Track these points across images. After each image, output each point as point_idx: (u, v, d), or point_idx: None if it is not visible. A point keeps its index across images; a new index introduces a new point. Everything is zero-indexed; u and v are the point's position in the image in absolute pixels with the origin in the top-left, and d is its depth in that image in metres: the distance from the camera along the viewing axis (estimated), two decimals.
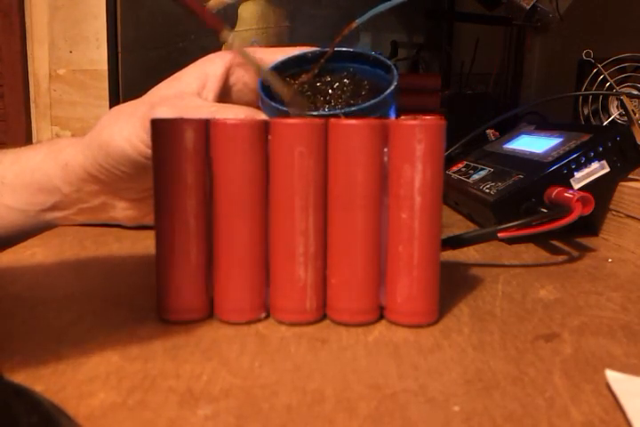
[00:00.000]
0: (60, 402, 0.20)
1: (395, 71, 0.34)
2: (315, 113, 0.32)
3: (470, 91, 1.13)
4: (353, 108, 0.32)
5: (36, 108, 1.51)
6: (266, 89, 0.34)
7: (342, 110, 0.32)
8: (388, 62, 0.35)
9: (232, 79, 0.36)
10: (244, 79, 0.36)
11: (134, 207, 0.38)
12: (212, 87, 0.34)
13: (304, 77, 0.35)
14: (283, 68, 0.36)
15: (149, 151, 0.32)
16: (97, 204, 0.37)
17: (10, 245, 0.39)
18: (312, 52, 0.36)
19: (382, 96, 0.32)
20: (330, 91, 0.35)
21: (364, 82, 0.35)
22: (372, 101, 0.32)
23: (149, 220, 0.37)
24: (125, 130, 0.32)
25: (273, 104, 0.32)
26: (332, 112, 0.32)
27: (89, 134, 0.34)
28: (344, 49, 0.36)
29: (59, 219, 0.37)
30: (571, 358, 0.27)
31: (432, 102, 0.89)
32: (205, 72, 0.35)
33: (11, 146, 0.39)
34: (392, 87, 0.33)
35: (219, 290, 0.31)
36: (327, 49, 0.35)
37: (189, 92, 0.34)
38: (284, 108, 0.32)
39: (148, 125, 0.31)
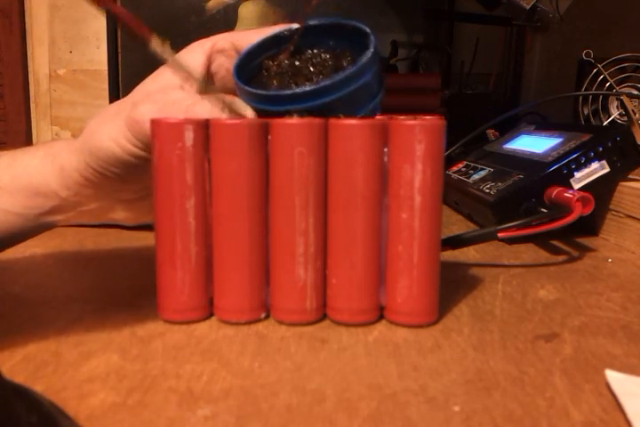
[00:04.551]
0: (60, 402, 0.20)
1: (372, 37, 0.32)
2: (289, 92, 0.31)
3: (470, 91, 1.13)
4: (329, 81, 0.30)
5: (36, 108, 1.51)
6: (239, 73, 0.33)
7: (319, 85, 0.30)
8: (366, 29, 0.33)
9: (214, 67, 0.35)
10: (225, 65, 0.36)
11: (132, 207, 0.38)
12: (195, 78, 0.34)
13: (281, 58, 0.34)
14: (259, 51, 0.34)
15: (138, 151, 0.32)
16: (95, 206, 0.37)
17: (10, 246, 0.39)
18: (288, 30, 0.35)
19: (358, 65, 0.31)
20: (311, 68, 0.33)
21: (345, 54, 0.34)
22: (346, 73, 0.30)
23: (149, 219, 0.37)
24: (113, 132, 0.32)
25: (246, 88, 0.31)
26: (312, 87, 0.30)
27: (80, 138, 0.34)
28: (318, 22, 0.34)
29: (58, 221, 0.37)
30: (571, 358, 0.27)
31: (432, 102, 0.89)
32: (188, 58, 0.35)
33: (10, 146, 0.39)
34: (369, 53, 0.31)
35: (219, 290, 0.31)
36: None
37: (172, 85, 0.34)
38: (258, 91, 0.31)
39: (133, 125, 0.31)
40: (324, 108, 0.30)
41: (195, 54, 0.35)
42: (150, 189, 0.35)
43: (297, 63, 0.34)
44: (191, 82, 0.31)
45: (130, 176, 0.34)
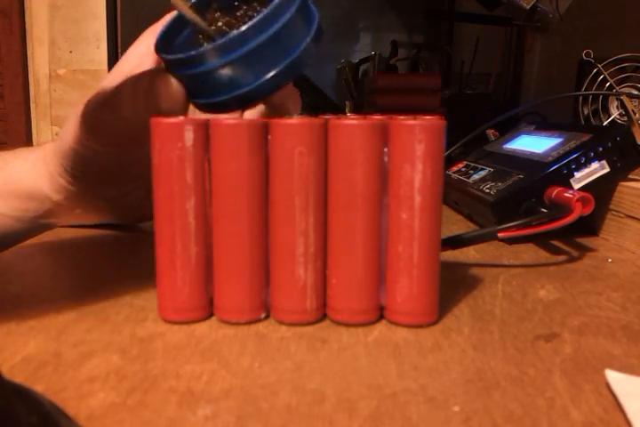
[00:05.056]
0: (60, 402, 0.20)
1: None
2: (197, 50, 0.29)
3: (470, 91, 1.13)
4: (239, 30, 0.28)
5: (36, 108, 1.51)
6: (164, 44, 0.31)
7: (229, 37, 0.28)
8: None
9: None
10: None
11: (123, 205, 0.38)
12: (148, 62, 0.34)
13: (210, 17, 0.32)
14: (197, 11, 0.32)
15: (92, 144, 0.32)
16: (88, 208, 0.37)
17: (9, 247, 0.39)
18: None
19: (269, 8, 0.28)
20: (247, 21, 0.31)
21: None
22: (255, 20, 0.28)
23: (143, 216, 0.37)
24: (70, 128, 0.32)
25: (162, 55, 0.30)
26: (224, 40, 0.28)
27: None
28: None
29: (56, 222, 0.37)
30: (571, 358, 0.27)
31: (432, 102, 0.89)
32: (138, 52, 0.34)
33: (10, 146, 0.39)
34: None
35: (219, 290, 0.31)
36: None
37: (126, 71, 0.33)
38: (169, 56, 0.30)
39: (84, 115, 0.31)
40: (244, 59, 0.29)
41: (145, 41, 0.35)
42: (134, 185, 0.35)
43: (232, 21, 0.32)
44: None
45: (100, 173, 0.34)
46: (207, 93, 0.31)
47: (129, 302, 0.33)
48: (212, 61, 0.29)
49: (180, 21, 0.33)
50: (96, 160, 0.33)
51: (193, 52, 0.29)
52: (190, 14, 0.31)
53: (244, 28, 0.28)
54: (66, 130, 0.33)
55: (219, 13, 0.33)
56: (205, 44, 0.31)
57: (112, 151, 0.32)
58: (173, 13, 0.33)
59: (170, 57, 0.30)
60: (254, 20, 0.29)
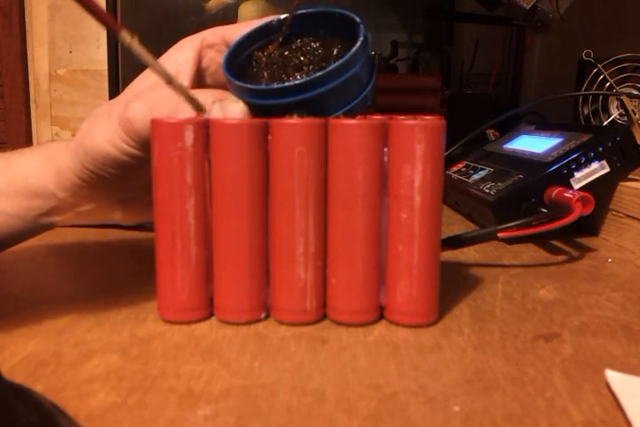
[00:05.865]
0: (60, 402, 0.20)
1: (361, 26, 0.32)
2: (278, 86, 0.30)
3: (470, 91, 1.13)
4: (319, 73, 0.30)
5: (36, 108, 1.51)
6: (229, 66, 0.33)
7: (309, 78, 0.30)
8: (355, 18, 0.32)
9: (205, 61, 0.35)
10: (217, 60, 0.35)
11: (130, 206, 0.38)
12: (186, 74, 0.34)
13: (270, 48, 0.34)
14: (249, 42, 0.34)
15: (133, 150, 0.32)
16: (93, 206, 0.37)
17: (10, 247, 0.39)
18: (277, 20, 0.34)
19: (348, 55, 0.30)
20: (301, 58, 0.33)
21: (334, 43, 0.33)
22: (335, 64, 0.30)
23: (146, 217, 0.37)
24: (106, 132, 0.32)
25: (236, 82, 0.31)
26: (302, 81, 0.30)
27: (74, 139, 0.34)
28: (307, 11, 0.34)
29: (57, 222, 0.37)
30: (571, 358, 0.27)
31: (432, 102, 0.89)
32: (177, 60, 0.34)
33: (11, 146, 0.39)
34: (358, 43, 0.31)
35: (219, 290, 0.31)
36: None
37: (162, 82, 0.33)
38: (248, 85, 0.31)
39: (126, 124, 0.31)
40: (314, 100, 0.30)
41: (185, 51, 0.34)
42: (146, 188, 0.35)
43: (286, 53, 0.33)
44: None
45: (126, 176, 0.34)
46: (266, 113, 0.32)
47: (129, 302, 0.33)
48: (277, 99, 0.30)
49: (243, 43, 0.34)
50: (133, 166, 0.33)
51: (260, 87, 0.31)
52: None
53: (318, 74, 0.30)
54: (92, 133, 0.33)
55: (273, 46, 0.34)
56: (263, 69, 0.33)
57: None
58: (238, 33, 0.34)
59: (238, 84, 0.31)
60: (330, 68, 0.30)
